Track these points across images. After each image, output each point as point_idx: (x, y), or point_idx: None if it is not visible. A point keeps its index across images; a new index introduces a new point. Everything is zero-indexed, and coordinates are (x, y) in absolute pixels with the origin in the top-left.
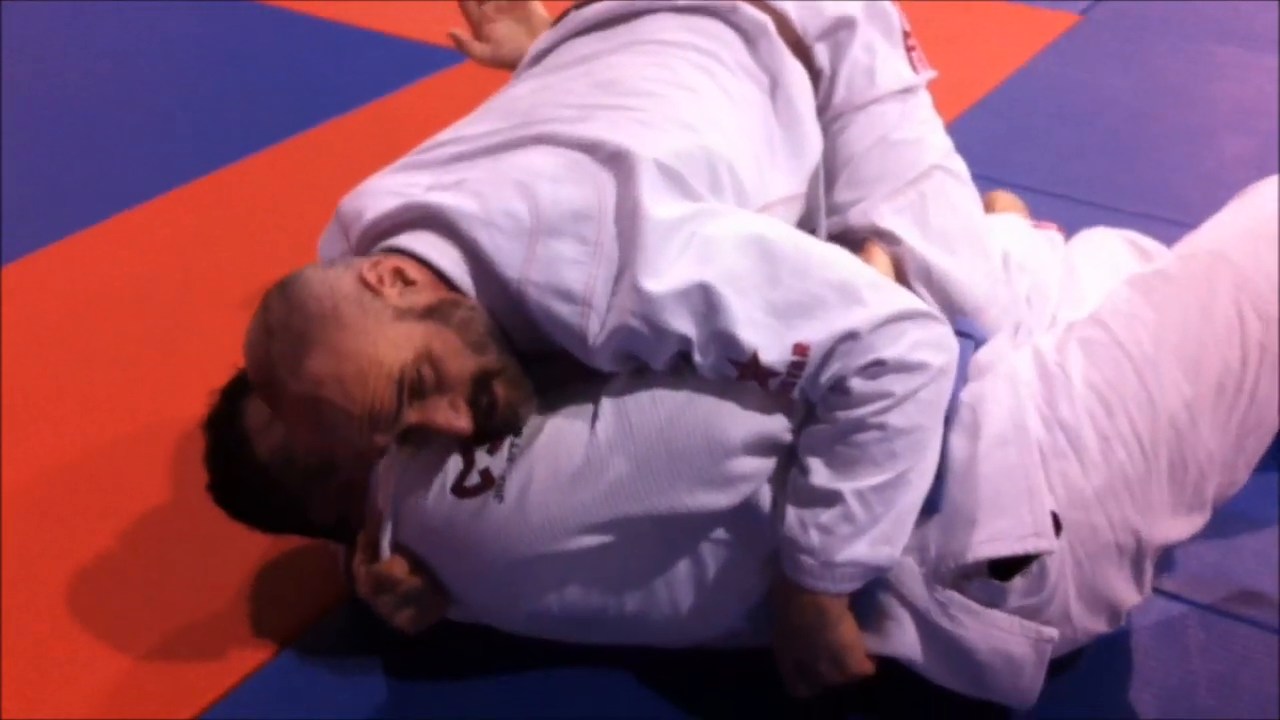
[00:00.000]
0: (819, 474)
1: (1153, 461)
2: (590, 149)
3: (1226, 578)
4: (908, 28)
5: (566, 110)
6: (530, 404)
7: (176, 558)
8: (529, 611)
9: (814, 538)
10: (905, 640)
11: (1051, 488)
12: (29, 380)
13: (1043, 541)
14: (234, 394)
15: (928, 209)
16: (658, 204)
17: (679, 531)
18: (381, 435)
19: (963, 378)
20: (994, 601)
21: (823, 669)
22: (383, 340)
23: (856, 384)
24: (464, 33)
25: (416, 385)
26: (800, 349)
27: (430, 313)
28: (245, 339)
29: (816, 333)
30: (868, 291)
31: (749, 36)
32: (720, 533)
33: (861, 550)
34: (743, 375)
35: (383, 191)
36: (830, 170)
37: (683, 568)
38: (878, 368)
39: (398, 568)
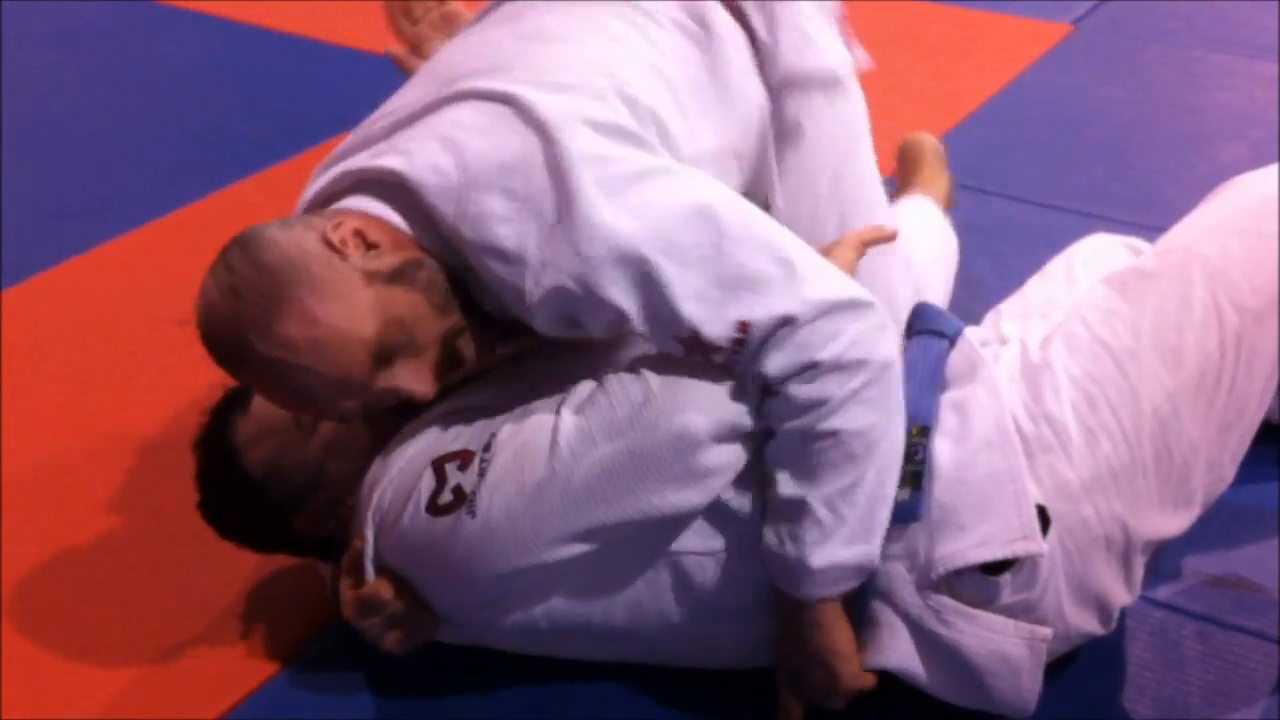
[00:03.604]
0: (784, 484)
1: (1137, 452)
2: (511, 101)
3: (1221, 586)
4: (843, 12)
5: (483, 62)
6: (492, 356)
7: (179, 575)
8: (517, 627)
9: (788, 548)
10: (900, 650)
11: (1039, 480)
12: (30, 401)
13: (1030, 544)
14: (222, 411)
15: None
16: (590, 156)
17: (655, 539)
18: (350, 401)
19: (940, 382)
20: (987, 599)
21: (817, 678)
22: (354, 307)
23: (794, 389)
24: (401, 51)
25: (387, 351)
26: (742, 326)
27: (396, 276)
28: (203, 298)
29: (758, 311)
30: (810, 272)
31: None
32: (697, 540)
33: (837, 553)
34: (688, 350)
35: (324, 176)
36: (780, 149)
37: (665, 578)
38: (812, 370)
39: (383, 590)
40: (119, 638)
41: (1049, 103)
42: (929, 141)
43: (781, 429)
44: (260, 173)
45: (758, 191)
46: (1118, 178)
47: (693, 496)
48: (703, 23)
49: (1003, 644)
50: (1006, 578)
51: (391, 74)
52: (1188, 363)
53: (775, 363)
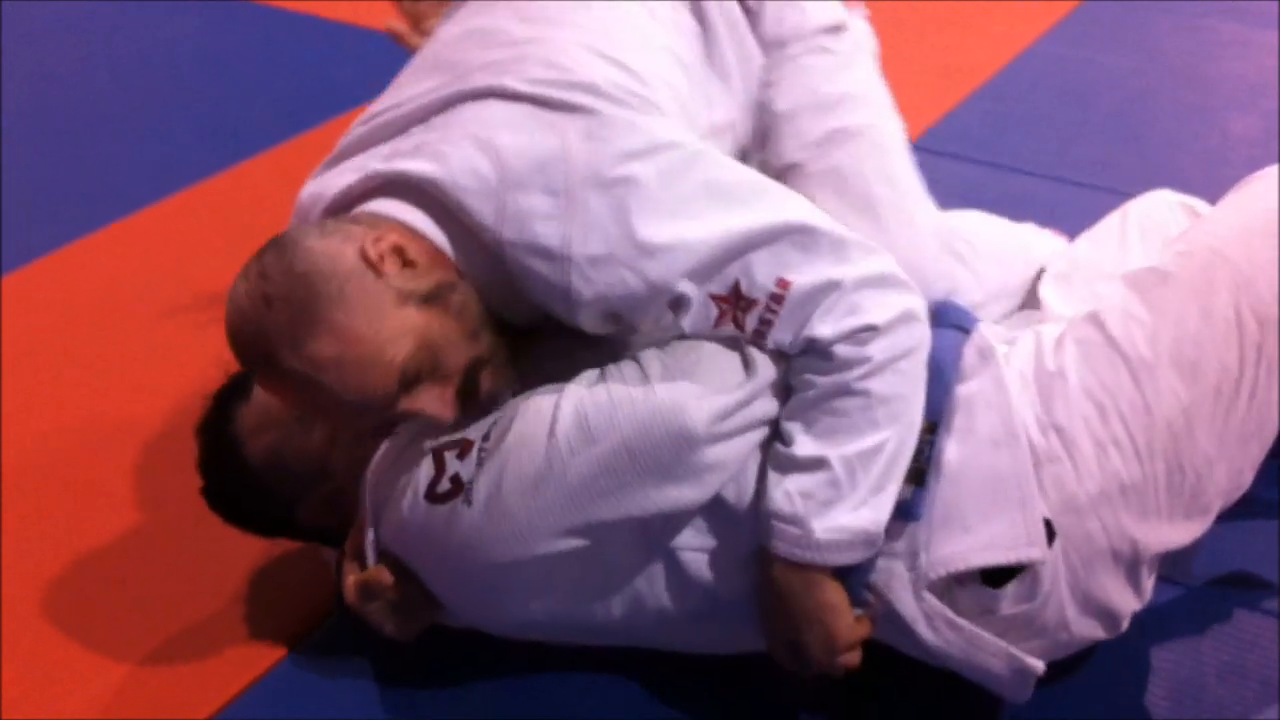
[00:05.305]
0: (801, 442)
1: (1148, 466)
2: (543, 101)
3: (1233, 564)
4: None
5: (494, 51)
6: (512, 387)
7: (179, 564)
8: (515, 617)
9: (796, 504)
10: (884, 637)
11: (1045, 492)
12: (30, 387)
13: (1034, 550)
14: (226, 398)
15: (846, 180)
16: (630, 150)
17: (654, 535)
18: (369, 419)
19: (954, 379)
20: (986, 609)
21: (813, 638)
22: (386, 328)
23: (841, 349)
24: (402, 26)
25: (413, 375)
26: (782, 283)
27: (430, 299)
28: (233, 302)
29: (801, 274)
30: (855, 249)
31: None
32: (695, 536)
33: (842, 516)
34: (722, 317)
35: (345, 171)
36: (761, 125)
37: (663, 573)
38: (869, 333)
39: (384, 575)
40: (120, 627)
41: (1058, 74)
42: None
43: (812, 383)
44: (263, 153)
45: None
46: (1128, 150)
47: (691, 493)
48: None
49: (987, 661)
50: (1008, 589)
51: (394, 52)
52: (1206, 377)
53: (827, 326)
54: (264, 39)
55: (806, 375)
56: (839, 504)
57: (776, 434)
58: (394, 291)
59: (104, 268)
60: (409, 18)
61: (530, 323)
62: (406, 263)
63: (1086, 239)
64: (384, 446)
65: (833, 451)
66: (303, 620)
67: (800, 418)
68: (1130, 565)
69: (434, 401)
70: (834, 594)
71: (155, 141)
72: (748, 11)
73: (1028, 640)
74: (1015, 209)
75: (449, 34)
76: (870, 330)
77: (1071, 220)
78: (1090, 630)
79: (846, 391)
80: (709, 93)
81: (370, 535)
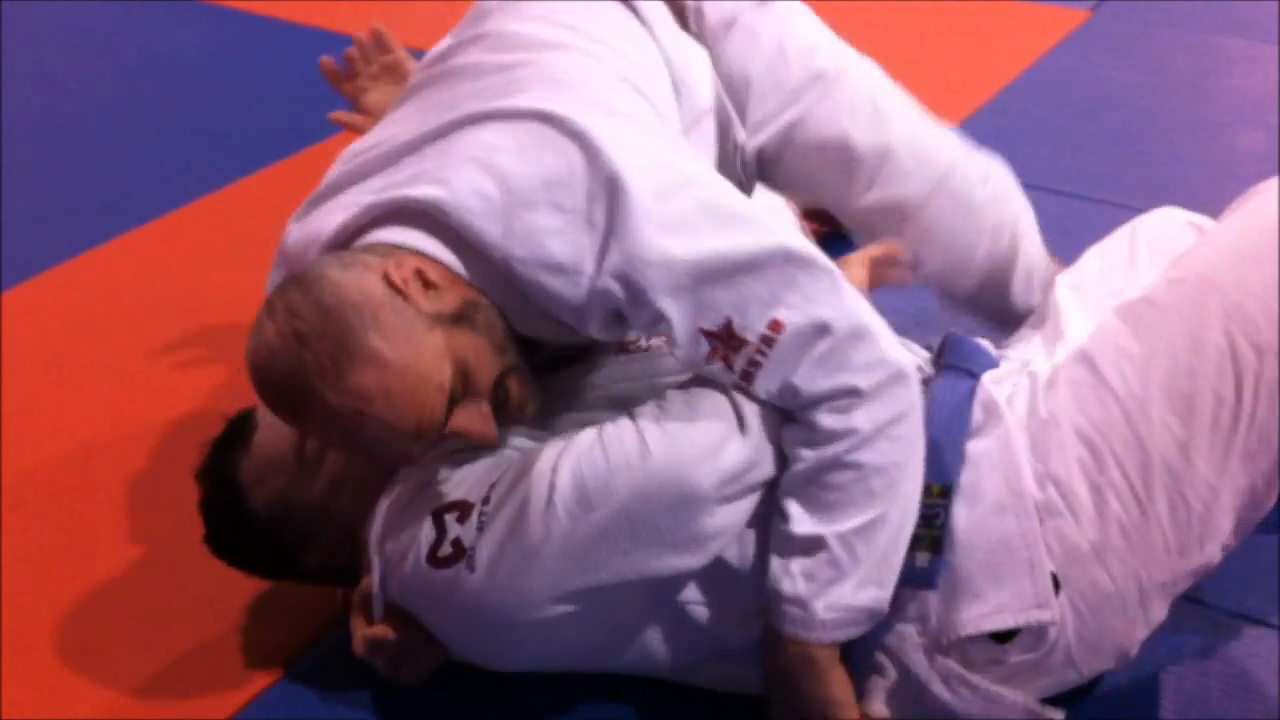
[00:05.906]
0: (799, 520)
1: (1149, 508)
2: (542, 118)
3: (1237, 575)
4: None
5: (488, 80)
6: (537, 398)
7: (181, 577)
8: (522, 663)
9: (799, 586)
10: (899, 704)
11: (1048, 547)
12: (31, 405)
13: (1044, 613)
14: (226, 445)
15: (856, 109)
16: (632, 165)
17: (658, 592)
18: (422, 446)
19: (965, 433)
20: (994, 660)
21: None
22: (425, 352)
23: (824, 418)
24: (346, 116)
25: (455, 396)
26: (775, 325)
27: (459, 319)
28: (260, 343)
29: (794, 314)
30: (849, 294)
31: None
32: (699, 592)
33: (845, 594)
34: (712, 354)
35: (335, 209)
36: (732, 93)
37: (669, 626)
38: (852, 398)
39: (391, 631)
40: (121, 641)
41: (1066, 89)
42: None
43: (802, 457)
44: (267, 168)
45: (725, 139)
46: (1135, 164)
47: (691, 560)
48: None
49: (1005, 715)
50: (1015, 642)
51: None
52: (1201, 410)
53: (812, 378)
54: (272, 51)
55: (798, 449)
56: (842, 582)
57: (775, 499)
58: (424, 316)
59: (107, 283)
60: (350, 97)
61: (538, 334)
62: (428, 285)
63: (1096, 254)
64: (383, 505)
65: (829, 529)
66: (307, 632)
67: (795, 494)
68: (1139, 603)
69: (474, 419)
70: (839, 689)
71: (161, 154)
72: (683, 14)
73: (1035, 681)
74: None
75: (420, 81)
76: (854, 395)
77: (1079, 235)
78: (1098, 666)
79: (839, 465)
80: (675, 109)
81: (376, 591)
